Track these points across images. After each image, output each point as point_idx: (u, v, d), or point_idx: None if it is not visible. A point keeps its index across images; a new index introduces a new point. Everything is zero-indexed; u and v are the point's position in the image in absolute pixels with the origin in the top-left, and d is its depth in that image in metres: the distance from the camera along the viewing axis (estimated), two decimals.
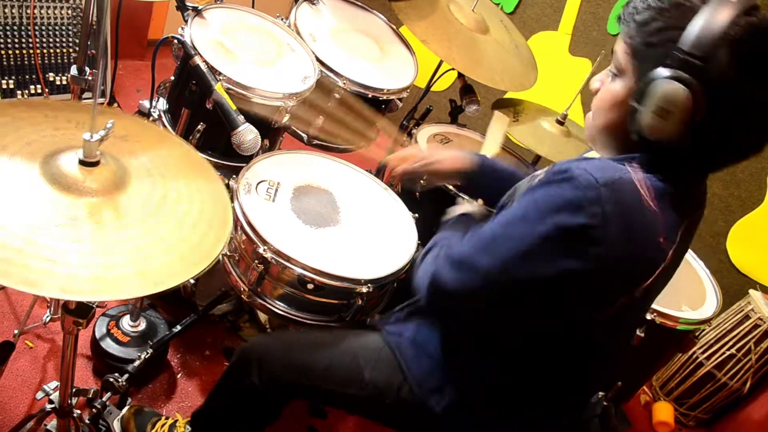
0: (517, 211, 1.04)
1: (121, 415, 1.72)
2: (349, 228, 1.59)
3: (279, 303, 1.53)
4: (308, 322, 1.54)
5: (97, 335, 1.88)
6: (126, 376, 1.71)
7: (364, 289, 1.46)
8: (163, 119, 1.74)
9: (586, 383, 1.29)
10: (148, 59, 3.19)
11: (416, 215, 1.73)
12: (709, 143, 1.00)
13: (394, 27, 2.23)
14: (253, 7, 1.87)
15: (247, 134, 1.51)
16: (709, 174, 1.11)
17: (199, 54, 1.51)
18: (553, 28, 2.87)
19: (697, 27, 0.94)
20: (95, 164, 1.05)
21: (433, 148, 1.58)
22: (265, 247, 1.42)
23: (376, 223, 1.65)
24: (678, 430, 2.54)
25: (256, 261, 1.45)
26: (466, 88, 2.17)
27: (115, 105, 2.78)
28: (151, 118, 1.80)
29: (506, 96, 2.72)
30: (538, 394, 1.25)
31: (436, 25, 2.02)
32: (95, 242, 0.97)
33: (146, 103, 1.82)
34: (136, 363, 1.76)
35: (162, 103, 1.75)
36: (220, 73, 1.55)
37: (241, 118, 1.51)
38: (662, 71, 0.97)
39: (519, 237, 1.01)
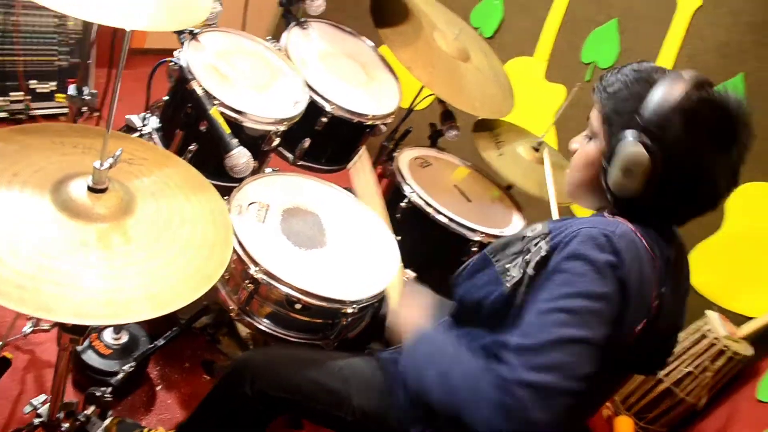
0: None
1: (103, 426, 1.74)
2: (335, 250, 1.65)
3: (266, 321, 1.57)
4: (293, 339, 1.59)
5: (79, 348, 1.89)
6: (110, 389, 1.74)
7: (350, 310, 1.53)
8: (155, 137, 1.78)
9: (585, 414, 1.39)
10: (129, 68, 3.22)
11: (398, 237, 1.80)
12: (668, 198, 1.15)
13: (380, 53, 2.30)
14: (243, 28, 1.93)
15: (241, 157, 1.56)
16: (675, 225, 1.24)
17: (196, 79, 1.56)
18: (530, 53, 2.98)
19: (655, 98, 1.10)
20: (104, 191, 1.09)
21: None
22: (257, 268, 1.47)
23: (360, 245, 1.71)
24: None
25: (247, 281, 1.49)
26: (447, 114, 2.25)
27: (97, 114, 2.79)
28: (139, 133, 1.83)
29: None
30: None
31: (420, 51, 2.10)
32: (105, 267, 1.01)
33: (135, 119, 1.85)
34: (119, 376, 1.79)
35: (154, 121, 1.79)
36: (215, 98, 1.60)
37: (235, 141, 1.56)
38: (627, 135, 1.13)
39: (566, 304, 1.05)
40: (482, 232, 1.93)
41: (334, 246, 1.66)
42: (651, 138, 1.10)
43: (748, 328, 2.39)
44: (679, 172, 1.12)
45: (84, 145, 1.21)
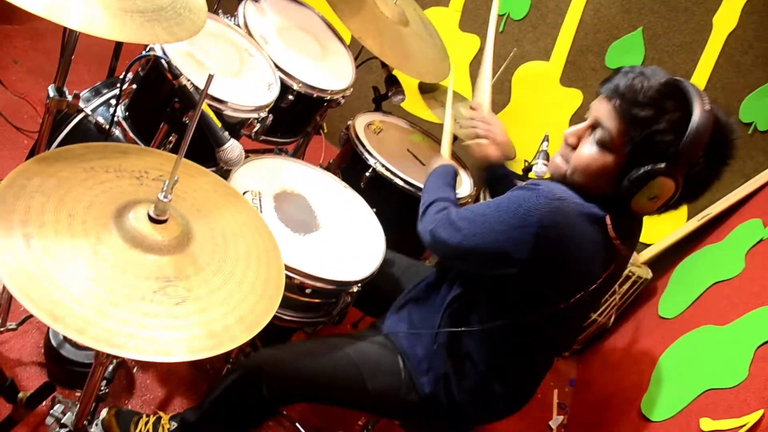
0: (500, 202, 1.32)
1: (101, 419, 1.75)
2: (329, 231, 1.73)
3: None
4: (297, 320, 1.68)
5: (54, 343, 1.85)
6: (104, 381, 1.74)
7: (355, 289, 1.64)
8: (124, 126, 1.71)
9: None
10: (18, 23, 2.91)
11: (374, 209, 1.90)
12: (674, 207, 1.29)
13: (328, 21, 2.30)
14: None
15: (234, 150, 1.57)
16: None
17: (183, 75, 1.52)
18: (444, 4, 3.07)
19: (690, 136, 1.16)
20: (165, 221, 1.10)
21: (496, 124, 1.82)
22: None
23: (348, 224, 1.80)
24: (555, 360, 3.05)
25: None
26: (391, 78, 2.33)
27: None
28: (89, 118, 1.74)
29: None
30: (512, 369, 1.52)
31: (367, 20, 2.13)
32: (192, 299, 1.05)
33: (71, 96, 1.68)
34: (110, 367, 1.79)
35: (120, 110, 1.71)
36: (199, 90, 1.57)
37: (226, 134, 1.56)
38: (661, 169, 1.18)
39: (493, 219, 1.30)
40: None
41: (327, 227, 1.74)
42: (681, 171, 1.20)
43: (647, 254, 2.80)
44: (695, 191, 1.26)
45: (113, 167, 1.19)
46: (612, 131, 1.24)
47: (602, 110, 1.26)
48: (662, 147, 1.18)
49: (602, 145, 1.26)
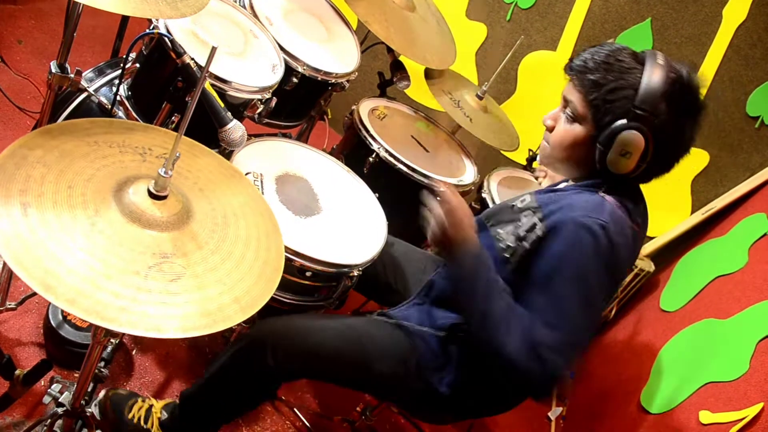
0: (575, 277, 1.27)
1: (98, 399, 1.75)
2: (331, 214, 1.72)
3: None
4: (297, 303, 1.67)
5: (53, 323, 1.84)
6: (102, 363, 1.73)
7: (356, 272, 1.63)
8: (127, 105, 1.70)
9: None
10: (22, 3, 2.90)
11: (377, 194, 1.89)
12: (653, 168, 1.36)
13: (333, 3, 2.28)
14: None
15: (236, 131, 1.56)
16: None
17: (187, 53, 1.51)
18: None
19: (644, 88, 1.26)
20: (166, 197, 1.09)
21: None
22: None
23: (350, 207, 1.79)
24: None
25: None
26: (397, 64, 2.31)
27: None
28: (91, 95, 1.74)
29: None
30: None
31: (374, 4, 2.12)
32: (190, 277, 1.03)
33: (73, 74, 1.66)
34: (108, 348, 1.78)
35: (123, 89, 1.70)
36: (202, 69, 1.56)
37: (228, 115, 1.55)
38: (623, 124, 1.28)
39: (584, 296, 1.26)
40: (446, 183, 2.07)
41: (328, 211, 1.73)
42: (644, 123, 1.27)
43: (650, 247, 2.78)
44: (666, 145, 1.32)
45: (117, 143, 1.18)
46: (576, 103, 1.35)
47: (567, 89, 1.39)
48: (620, 104, 1.28)
49: (572, 118, 1.37)
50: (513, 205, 1.45)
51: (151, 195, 1.08)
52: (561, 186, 1.52)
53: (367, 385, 1.57)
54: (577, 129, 1.36)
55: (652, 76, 1.27)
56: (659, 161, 1.35)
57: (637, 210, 1.39)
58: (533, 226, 1.34)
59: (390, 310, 1.62)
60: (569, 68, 1.38)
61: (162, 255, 1.03)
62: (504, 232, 1.41)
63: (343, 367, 1.51)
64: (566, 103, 1.39)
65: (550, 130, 1.43)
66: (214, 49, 0.93)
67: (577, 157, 1.40)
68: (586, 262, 1.25)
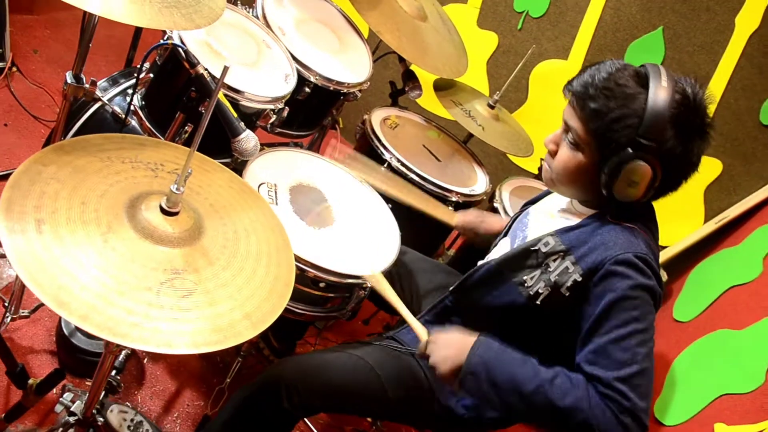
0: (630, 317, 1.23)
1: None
2: (344, 225, 1.72)
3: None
4: (309, 313, 1.67)
5: (66, 331, 1.86)
6: (114, 372, 1.74)
7: (369, 284, 1.63)
8: (141, 114, 1.71)
9: None
10: (38, 13, 2.93)
11: (389, 205, 1.89)
12: (663, 190, 1.32)
13: (347, 15, 2.29)
14: None
15: (249, 141, 1.56)
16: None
17: (201, 63, 1.51)
18: (463, 0, 3.05)
19: (648, 115, 1.20)
20: (177, 213, 1.09)
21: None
22: None
23: (363, 218, 1.79)
24: None
25: None
26: (409, 73, 2.31)
27: (15, 70, 2.56)
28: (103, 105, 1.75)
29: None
30: None
31: (386, 14, 2.12)
32: (201, 292, 1.04)
33: (88, 84, 1.67)
34: (121, 357, 1.79)
35: (136, 99, 1.71)
36: (216, 80, 1.57)
37: (242, 125, 1.55)
38: (629, 154, 1.22)
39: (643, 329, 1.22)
40: (458, 192, 2.07)
41: (341, 222, 1.72)
42: (650, 152, 1.21)
43: (663, 256, 2.75)
44: (675, 169, 1.28)
45: (129, 158, 1.18)
46: (577, 130, 1.29)
47: (567, 112, 1.32)
48: (625, 133, 1.22)
49: (574, 145, 1.31)
50: (535, 249, 1.38)
51: (163, 211, 1.08)
52: (575, 218, 1.44)
53: (387, 412, 1.55)
54: (580, 156, 1.31)
55: (657, 101, 1.20)
56: (668, 184, 1.31)
57: (653, 227, 1.38)
58: (566, 270, 1.30)
59: (398, 333, 1.61)
60: (569, 91, 1.32)
61: (174, 271, 1.04)
62: (530, 279, 1.36)
63: (360, 399, 1.48)
64: (567, 127, 1.33)
65: (553, 154, 1.38)
66: (226, 68, 0.93)
67: (582, 182, 1.35)
68: (637, 295, 1.22)
